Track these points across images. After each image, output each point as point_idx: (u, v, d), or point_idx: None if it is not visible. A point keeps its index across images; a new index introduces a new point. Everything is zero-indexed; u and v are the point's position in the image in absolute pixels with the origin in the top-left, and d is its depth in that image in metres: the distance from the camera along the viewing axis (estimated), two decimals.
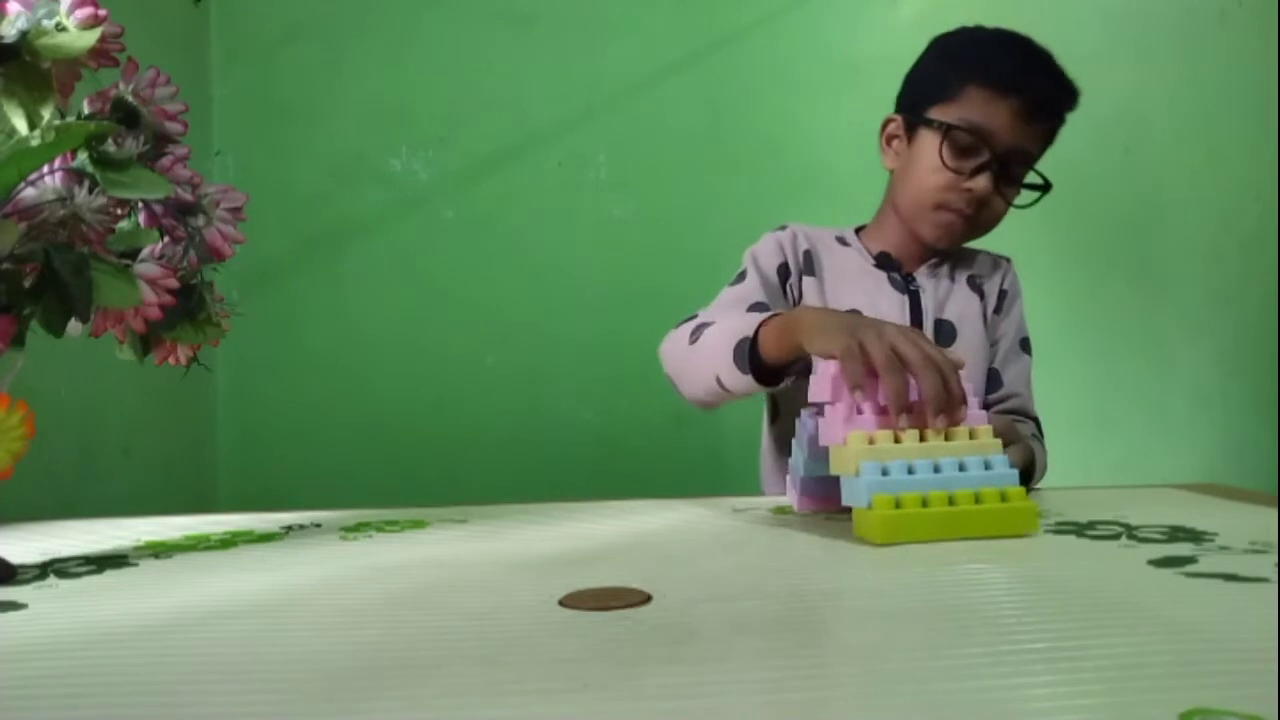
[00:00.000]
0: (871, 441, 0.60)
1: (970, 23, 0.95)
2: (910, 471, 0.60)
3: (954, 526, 0.58)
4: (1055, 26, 1.39)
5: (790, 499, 0.72)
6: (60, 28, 0.54)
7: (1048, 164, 0.93)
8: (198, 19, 1.50)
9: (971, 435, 0.62)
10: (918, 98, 0.93)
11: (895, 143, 0.96)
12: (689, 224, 1.59)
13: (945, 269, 0.98)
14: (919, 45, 0.98)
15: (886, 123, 0.97)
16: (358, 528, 0.71)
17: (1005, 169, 0.89)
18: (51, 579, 0.54)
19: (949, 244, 0.94)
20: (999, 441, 0.62)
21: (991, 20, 0.94)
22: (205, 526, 0.73)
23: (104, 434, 1.16)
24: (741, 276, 0.94)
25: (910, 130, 0.93)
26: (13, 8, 0.53)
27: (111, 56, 0.57)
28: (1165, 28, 1.65)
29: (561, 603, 0.45)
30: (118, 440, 1.19)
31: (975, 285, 0.98)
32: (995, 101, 0.87)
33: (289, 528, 0.72)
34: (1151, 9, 1.65)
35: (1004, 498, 0.60)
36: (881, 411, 0.62)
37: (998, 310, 0.99)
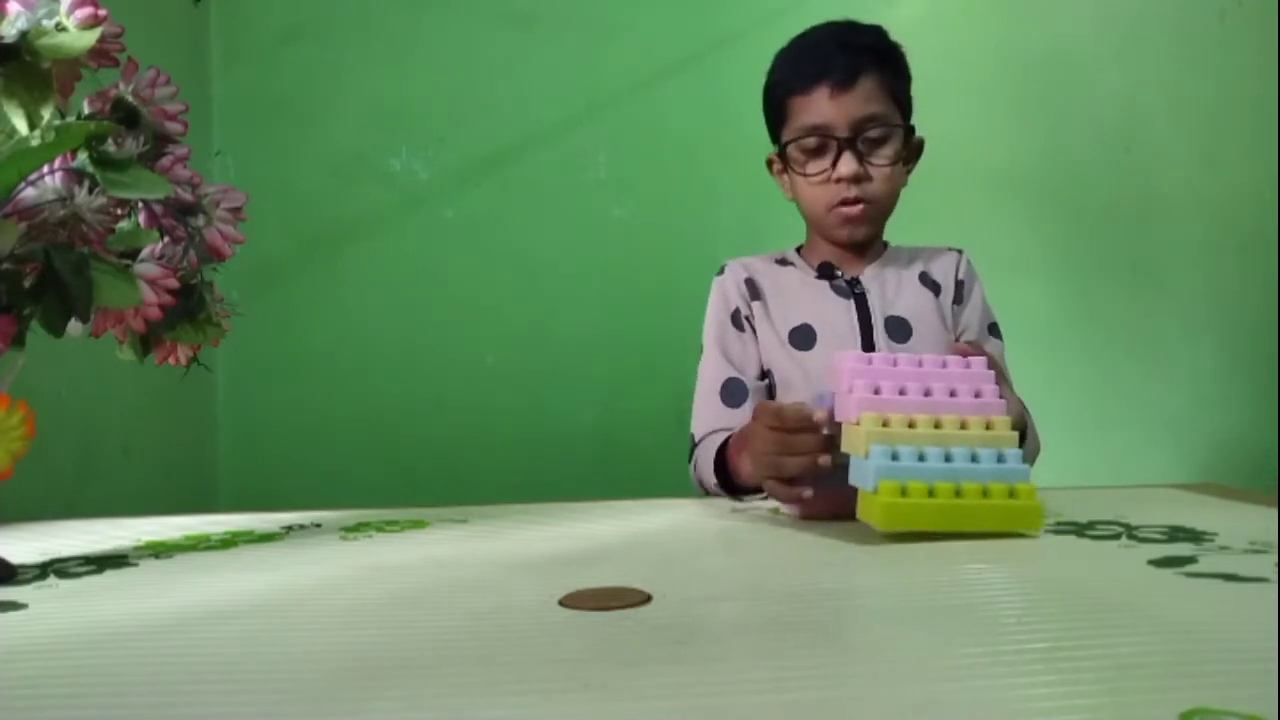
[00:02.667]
0: (885, 424, 0.59)
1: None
2: (921, 459, 0.58)
3: (958, 519, 0.57)
4: (1055, 27, 1.40)
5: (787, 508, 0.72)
6: (60, 28, 0.54)
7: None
8: (198, 19, 1.50)
9: (989, 426, 0.61)
10: (773, 131, 1.00)
11: (783, 176, 1.00)
12: (689, 224, 1.59)
13: (893, 268, 0.99)
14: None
15: (769, 162, 1.02)
16: (358, 528, 0.71)
17: (861, 140, 0.92)
18: (51, 579, 0.54)
19: (864, 235, 0.97)
20: (1015, 435, 0.62)
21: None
22: (205, 526, 0.73)
23: (104, 434, 1.16)
24: (704, 356, 1.00)
25: (782, 159, 0.98)
26: (13, 8, 0.53)
27: (111, 56, 0.57)
28: (1165, 27, 1.65)
29: (561, 603, 0.45)
30: (118, 440, 1.19)
31: (928, 281, 0.99)
32: (809, 98, 0.92)
33: (289, 528, 0.72)
34: (1151, 9, 1.65)
35: (1012, 494, 0.58)
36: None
37: (958, 300, 0.99)
